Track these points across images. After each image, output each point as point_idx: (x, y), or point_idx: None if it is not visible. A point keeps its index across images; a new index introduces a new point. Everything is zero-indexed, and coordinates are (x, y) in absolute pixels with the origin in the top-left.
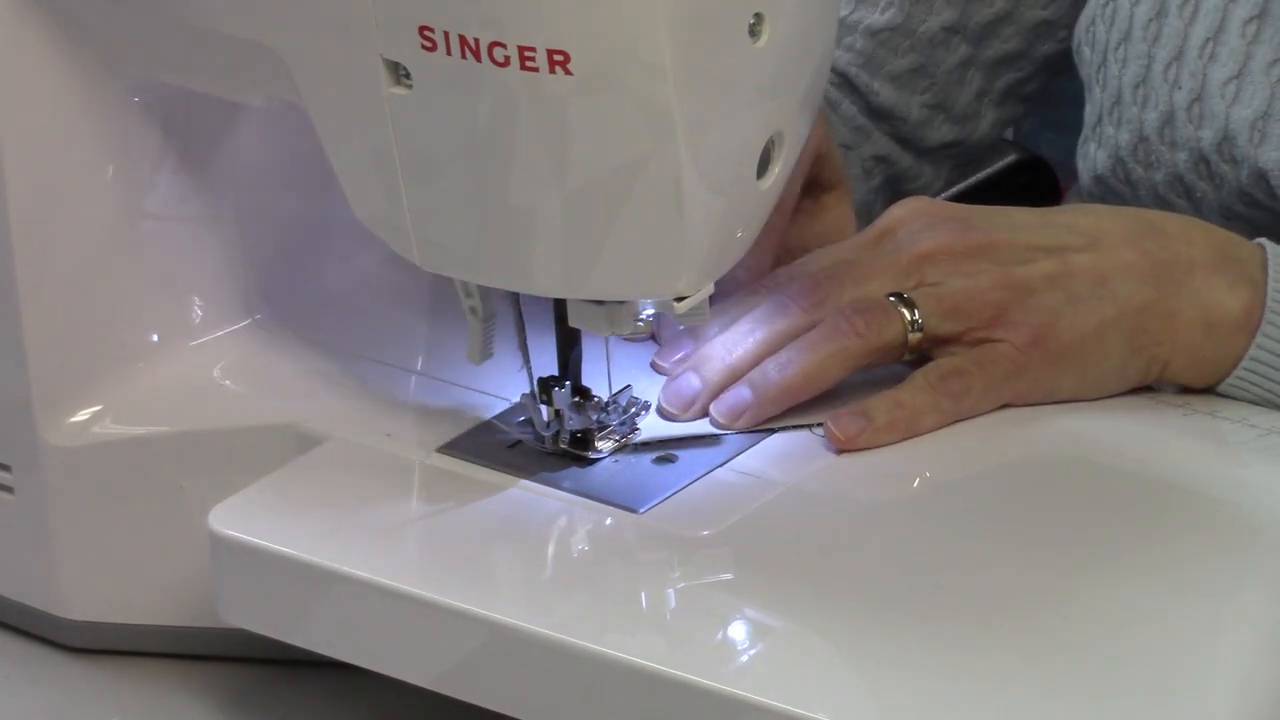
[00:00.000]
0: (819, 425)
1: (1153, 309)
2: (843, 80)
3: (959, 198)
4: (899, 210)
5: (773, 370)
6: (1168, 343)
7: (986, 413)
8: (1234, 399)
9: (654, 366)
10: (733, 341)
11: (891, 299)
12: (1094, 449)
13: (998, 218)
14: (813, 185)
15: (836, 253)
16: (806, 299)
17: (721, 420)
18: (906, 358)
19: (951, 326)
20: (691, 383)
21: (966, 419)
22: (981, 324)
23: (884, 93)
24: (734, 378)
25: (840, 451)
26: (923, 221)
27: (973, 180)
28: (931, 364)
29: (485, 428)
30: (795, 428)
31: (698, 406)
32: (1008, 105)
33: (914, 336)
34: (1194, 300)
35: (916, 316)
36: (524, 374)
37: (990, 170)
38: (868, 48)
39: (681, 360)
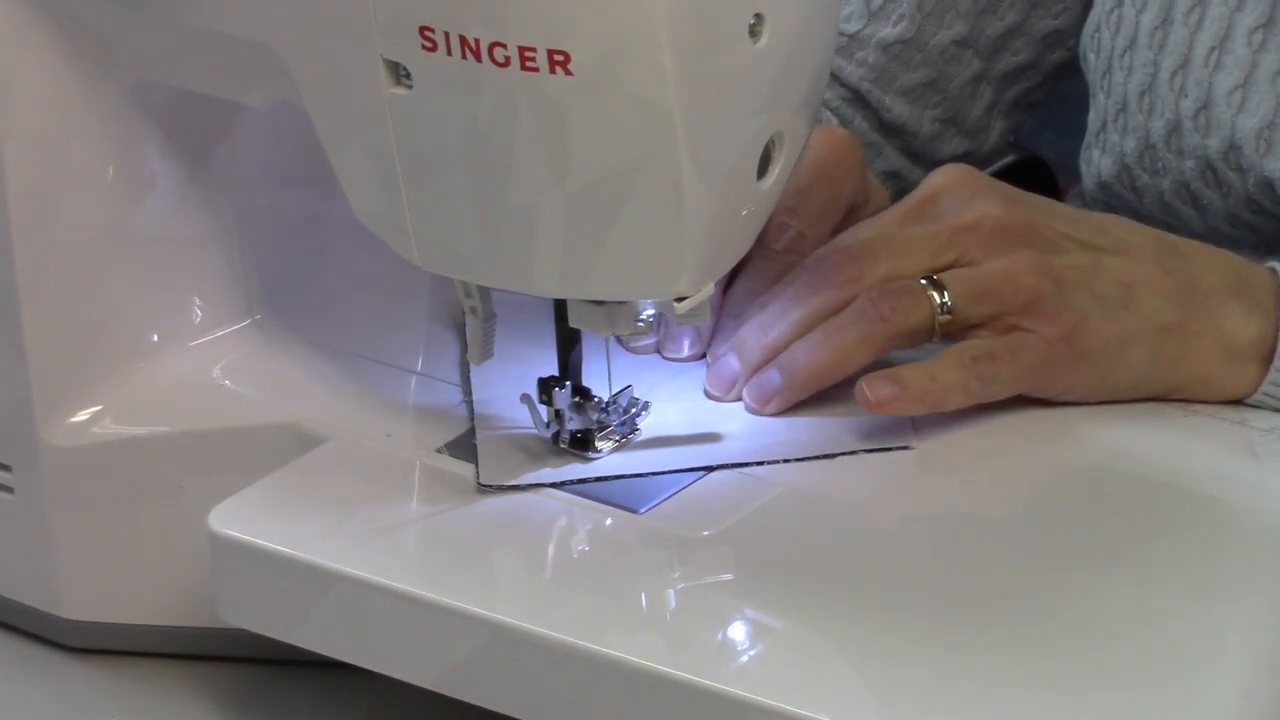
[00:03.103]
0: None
1: (1173, 331)
2: (855, 96)
3: None
4: (940, 176)
5: (801, 354)
6: (1183, 368)
7: (994, 409)
8: None
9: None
10: (768, 321)
11: (923, 281)
12: (1094, 449)
13: (1036, 200)
14: (849, 218)
15: (877, 224)
16: (841, 274)
17: (754, 405)
18: (935, 340)
19: (981, 310)
20: (732, 365)
21: (988, 403)
22: (1013, 310)
23: (895, 108)
24: (771, 358)
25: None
26: (966, 190)
27: None
28: (965, 343)
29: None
30: (830, 456)
31: (738, 388)
32: (1015, 114)
33: (942, 319)
34: (1212, 326)
35: (946, 299)
36: (528, 375)
37: (988, 171)
38: (879, 61)
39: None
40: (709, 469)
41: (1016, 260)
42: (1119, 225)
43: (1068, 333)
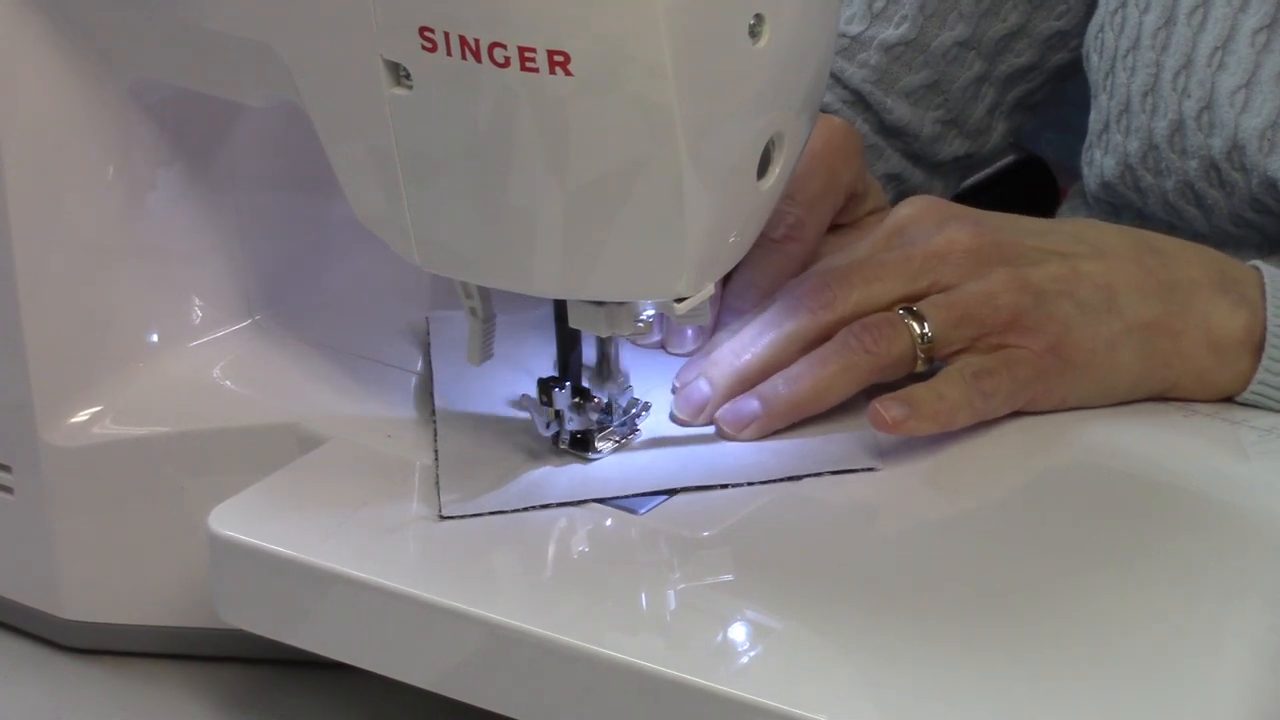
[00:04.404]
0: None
1: (1159, 327)
2: (856, 98)
3: (957, 199)
4: (907, 208)
5: (781, 385)
6: (1176, 364)
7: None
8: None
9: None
10: (741, 346)
11: (900, 312)
12: (1094, 451)
13: (1005, 220)
14: (849, 210)
15: (849, 254)
16: (815, 300)
17: (728, 429)
18: (919, 368)
19: (963, 334)
20: (702, 389)
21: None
22: (995, 330)
23: (897, 110)
24: (742, 383)
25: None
26: (933, 219)
27: (971, 181)
28: (964, 360)
29: None
30: (800, 477)
31: (707, 413)
32: (1017, 115)
33: (924, 347)
34: (1198, 321)
35: (926, 329)
36: (528, 373)
37: (989, 171)
38: (882, 63)
39: (691, 353)
40: (671, 492)
41: (992, 280)
42: (1093, 230)
43: (1054, 343)
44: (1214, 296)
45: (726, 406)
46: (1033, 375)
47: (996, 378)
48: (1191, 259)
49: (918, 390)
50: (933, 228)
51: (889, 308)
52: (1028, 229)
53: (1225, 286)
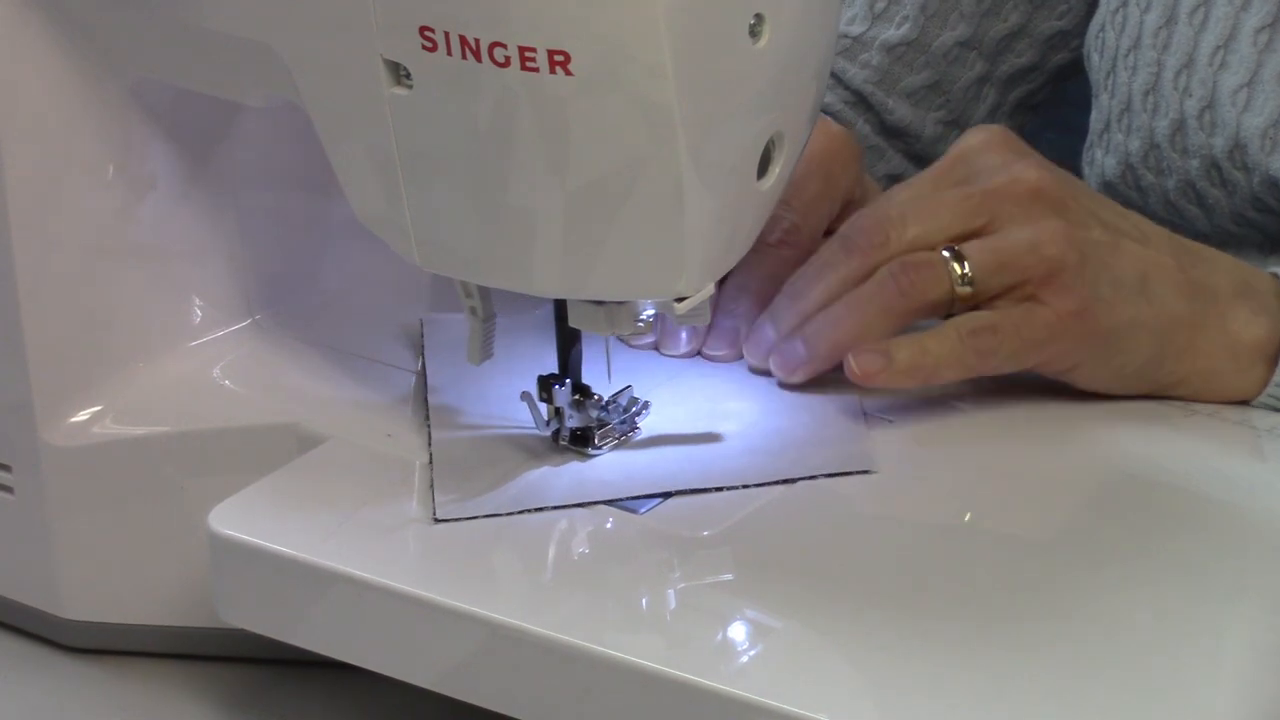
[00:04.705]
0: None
1: (1181, 324)
2: (858, 99)
3: None
4: (976, 136)
5: (824, 326)
6: (1188, 361)
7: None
8: None
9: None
10: (799, 289)
11: (945, 253)
12: (1094, 451)
13: (1066, 173)
14: (845, 217)
15: (912, 187)
16: (869, 240)
17: (780, 376)
18: (958, 311)
19: (1001, 280)
20: (767, 334)
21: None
22: (1033, 280)
23: (899, 110)
24: (803, 324)
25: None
26: (1000, 153)
27: None
28: (965, 315)
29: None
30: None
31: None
32: (1018, 116)
33: (963, 290)
34: (1219, 325)
35: (967, 270)
36: (525, 373)
37: None
38: (883, 64)
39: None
40: (667, 495)
41: (1043, 229)
42: (1137, 216)
43: (1080, 309)
44: (1236, 303)
45: (776, 352)
46: (1043, 338)
47: (999, 335)
48: (1219, 265)
49: (899, 342)
50: (999, 163)
51: (942, 244)
52: (1086, 191)
53: (1248, 294)
